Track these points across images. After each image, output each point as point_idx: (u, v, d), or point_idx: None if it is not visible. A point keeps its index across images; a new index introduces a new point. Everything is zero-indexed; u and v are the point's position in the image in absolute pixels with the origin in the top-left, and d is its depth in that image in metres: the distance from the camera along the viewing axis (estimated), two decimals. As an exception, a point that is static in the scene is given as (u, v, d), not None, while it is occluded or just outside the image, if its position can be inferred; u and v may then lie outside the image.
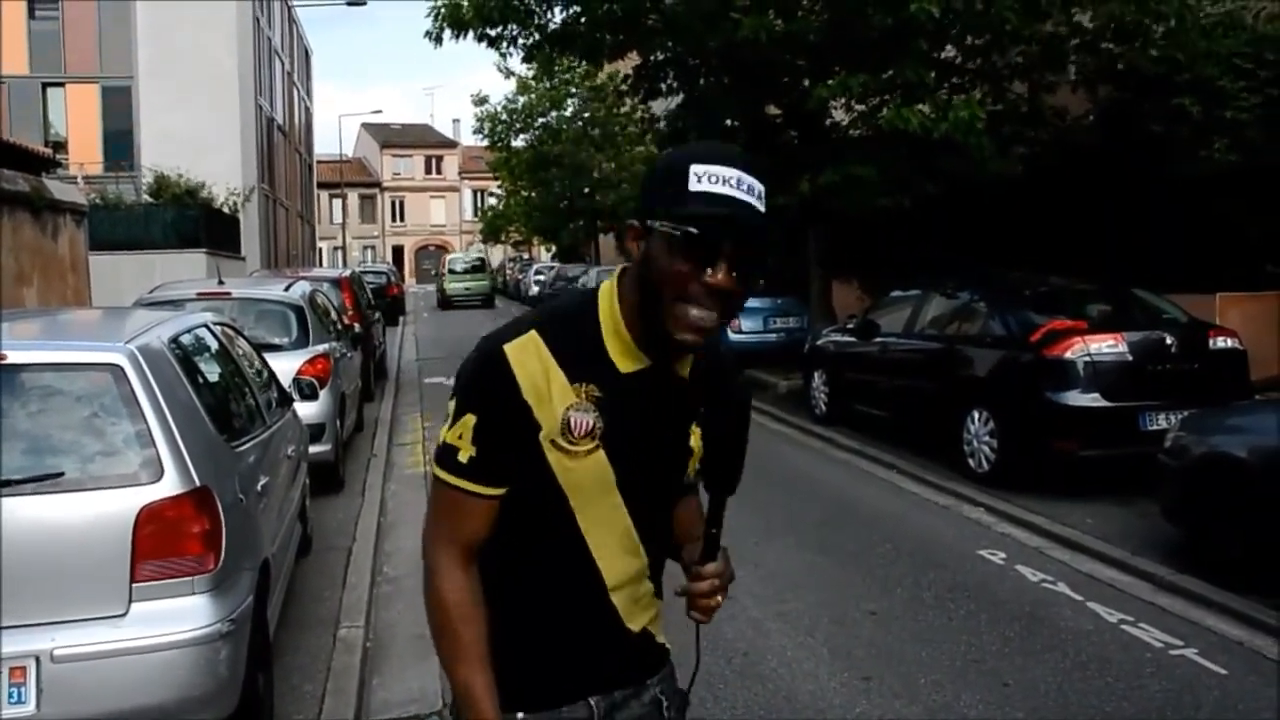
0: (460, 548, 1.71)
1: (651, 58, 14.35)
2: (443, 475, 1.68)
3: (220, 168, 29.06)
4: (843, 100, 12.27)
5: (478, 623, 1.69)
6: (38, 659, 3.26)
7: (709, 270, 1.55)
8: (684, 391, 1.72)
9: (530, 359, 1.63)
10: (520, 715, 1.74)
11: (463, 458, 1.65)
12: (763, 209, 1.58)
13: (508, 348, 1.64)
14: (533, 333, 1.66)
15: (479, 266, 37.96)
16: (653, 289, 1.59)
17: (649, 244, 1.60)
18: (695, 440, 1.75)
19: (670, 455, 1.75)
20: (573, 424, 1.63)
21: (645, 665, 1.85)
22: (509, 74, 30.89)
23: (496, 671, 1.72)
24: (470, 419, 1.64)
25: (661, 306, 1.58)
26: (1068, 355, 7.83)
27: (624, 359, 1.67)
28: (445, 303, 35.13)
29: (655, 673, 1.86)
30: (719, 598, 1.75)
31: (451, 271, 37.16)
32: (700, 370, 1.73)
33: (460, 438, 1.65)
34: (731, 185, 1.56)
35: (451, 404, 1.68)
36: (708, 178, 1.55)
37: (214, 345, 5.12)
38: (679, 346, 1.63)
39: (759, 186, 1.58)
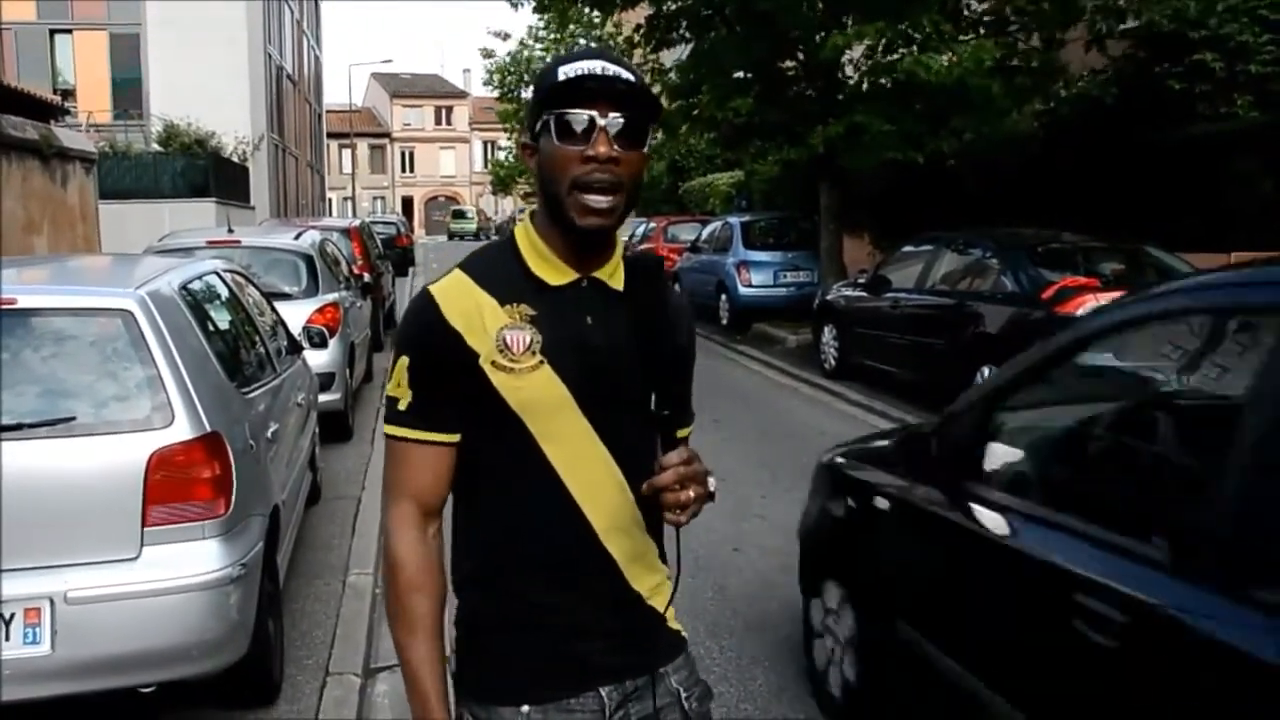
0: (414, 504, 1.66)
1: (663, 7, 14.18)
2: (388, 430, 1.67)
3: (229, 117, 28.89)
4: (857, 53, 12.12)
5: (430, 591, 1.65)
6: (52, 600, 3.29)
7: (589, 146, 1.57)
8: (623, 302, 1.67)
9: (457, 294, 1.65)
10: (525, 709, 1.64)
11: (402, 406, 1.64)
12: (631, 78, 1.58)
13: (433, 288, 1.67)
14: (457, 272, 1.69)
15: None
16: (552, 188, 1.61)
17: (540, 152, 1.63)
18: None
19: (627, 371, 1.63)
20: (509, 341, 1.61)
21: (660, 651, 1.74)
22: (505, 37, 31.06)
23: (495, 658, 1.65)
24: (404, 361, 1.65)
25: (562, 204, 1.60)
26: (1079, 313, 7.78)
27: (551, 274, 1.66)
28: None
29: (671, 660, 1.76)
30: (688, 491, 1.54)
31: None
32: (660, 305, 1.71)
33: (399, 385, 1.65)
34: (594, 70, 1.58)
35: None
36: (571, 71, 1.58)
37: (224, 292, 5.12)
38: (585, 233, 1.61)
39: (626, 72, 1.59)
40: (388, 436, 1.67)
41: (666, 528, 1.68)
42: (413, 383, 1.63)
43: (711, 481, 1.60)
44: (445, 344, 1.61)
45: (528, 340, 1.61)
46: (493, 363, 1.61)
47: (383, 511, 1.70)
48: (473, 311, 1.62)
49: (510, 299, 1.64)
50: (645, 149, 1.62)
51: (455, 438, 1.65)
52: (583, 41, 35.42)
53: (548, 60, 37.51)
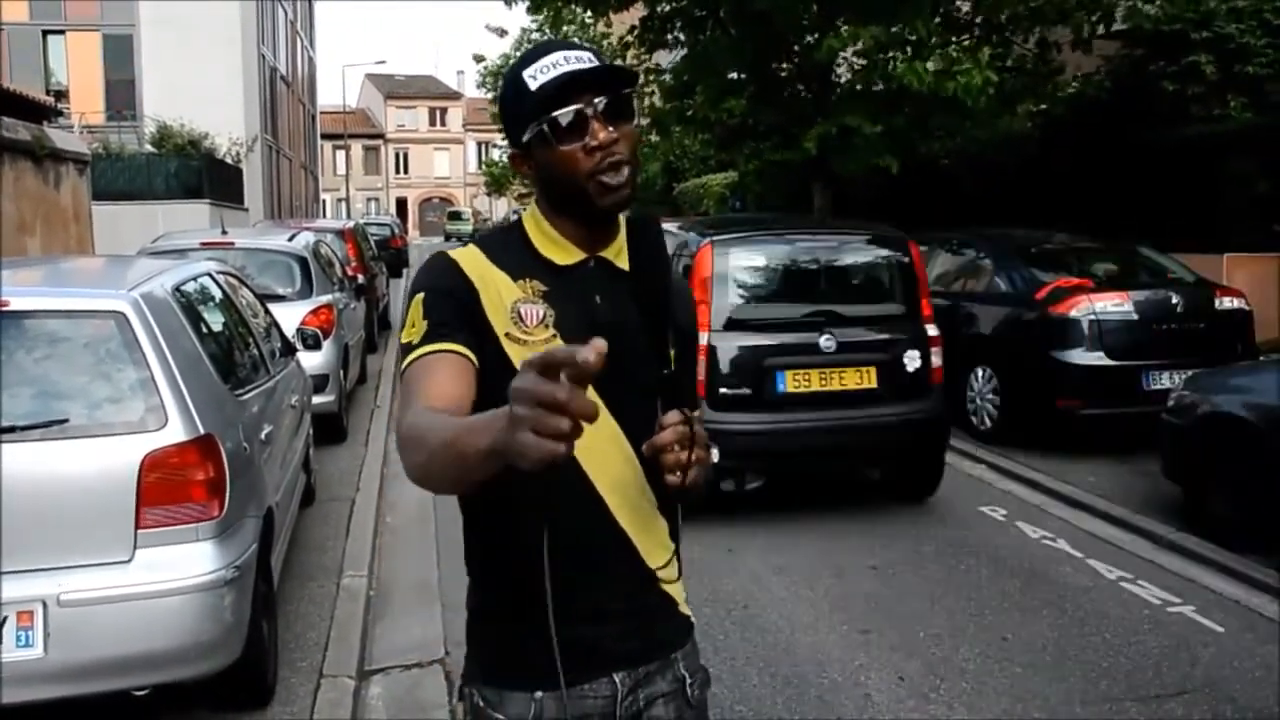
0: (425, 405, 1.51)
1: (658, 8, 14.17)
2: (404, 365, 1.61)
3: (223, 118, 28.80)
4: (850, 54, 12.13)
5: (443, 419, 1.44)
6: (44, 603, 3.28)
7: (589, 137, 1.60)
8: (629, 281, 1.65)
9: (474, 262, 1.69)
10: (538, 695, 1.64)
11: (416, 338, 1.60)
12: (598, 62, 1.63)
13: (451, 252, 1.72)
14: (471, 246, 1.74)
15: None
16: (564, 186, 1.64)
17: (535, 158, 1.67)
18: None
19: (634, 349, 1.57)
20: (524, 314, 1.65)
21: (673, 637, 1.77)
22: (502, 33, 31.04)
23: (508, 644, 1.63)
24: (419, 297, 1.65)
25: (581, 193, 1.63)
26: (1073, 313, 7.80)
27: (559, 255, 1.70)
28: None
29: (682, 646, 1.78)
30: (687, 453, 1.46)
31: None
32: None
33: (413, 326, 1.63)
34: (561, 65, 1.61)
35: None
36: (539, 72, 1.62)
37: (218, 294, 5.11)
38: (611, 210, 1.65)
39: (584, 53, 1.64)
40: (402, 375, 1.61)
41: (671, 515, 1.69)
42: (428, 314, 1.62)
43: (714, 452, 1.61)
44: (461, 287, 1.64)
45: (540, 314, 1.65)
46: (506, 334, 1.63)
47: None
48: (488, 280, 1.66)
49: (522, 275, 1.68)
50: (634, 120, 1.66)
51: (474, 357, 1.60)
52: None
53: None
